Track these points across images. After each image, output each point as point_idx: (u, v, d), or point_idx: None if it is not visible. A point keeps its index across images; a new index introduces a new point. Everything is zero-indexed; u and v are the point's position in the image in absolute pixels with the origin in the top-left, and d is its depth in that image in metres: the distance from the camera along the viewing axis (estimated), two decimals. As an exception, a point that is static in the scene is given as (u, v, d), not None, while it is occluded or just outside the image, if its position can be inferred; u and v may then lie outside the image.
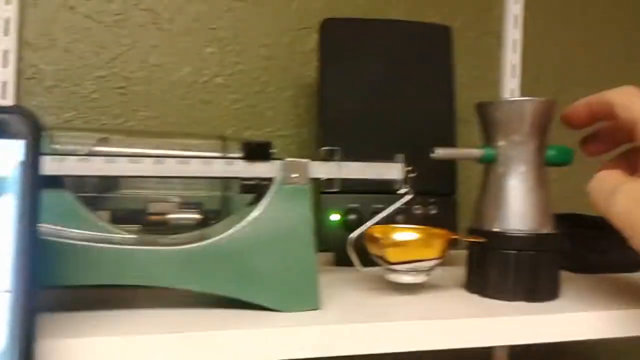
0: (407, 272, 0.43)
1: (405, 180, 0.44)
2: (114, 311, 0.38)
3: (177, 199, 0.51)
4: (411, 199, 0.44)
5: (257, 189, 0.44)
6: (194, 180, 0.53)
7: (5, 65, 0.64)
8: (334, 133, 0.59)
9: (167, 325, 0.35)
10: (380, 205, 0.55)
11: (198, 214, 0.50)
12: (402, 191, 0.44)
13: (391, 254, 0.42)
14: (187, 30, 0.71)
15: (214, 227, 0.42)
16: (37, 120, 0.28)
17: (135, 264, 0.36)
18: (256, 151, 0.41)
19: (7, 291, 0.28)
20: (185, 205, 0.51)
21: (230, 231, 0.38)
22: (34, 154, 0.28)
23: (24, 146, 0.28)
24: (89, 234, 0.38)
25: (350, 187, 0.47)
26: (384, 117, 0.60)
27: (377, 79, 0.61)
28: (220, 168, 0.40)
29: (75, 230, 0.39)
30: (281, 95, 0.74)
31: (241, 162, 0.41)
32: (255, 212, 0.39)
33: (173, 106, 0.71)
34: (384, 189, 0.44)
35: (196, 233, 0.42)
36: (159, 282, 0.36)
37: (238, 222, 0.39)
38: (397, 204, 0.45)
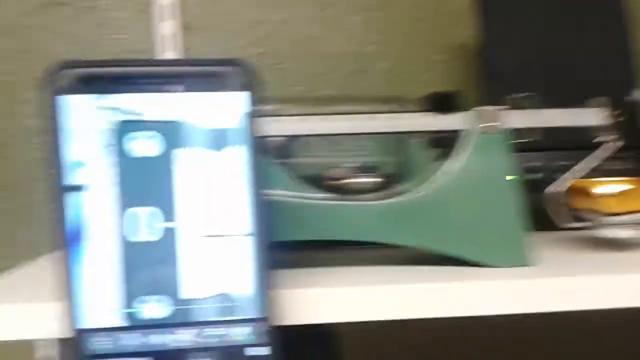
0: (626, 225, 0.39)
1: (610, 127, 0.40)
2: (324, 268, 0.37)
3: (351, 164, 0.51)
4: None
5: (441, 143, 0.43)
6: (367, 143, 0.52)
7: (172, 49, 0.68)
8: (501, 89, 0.55)
9: (375, 279, 0.34)
10: (565, 162, 0.51)
11: (375, 177, 0.49)
12: (603, 139, 0.40)
13: (606, 206, 0.38)
14: (332, 0, 0.71)
15: (406, 184, 0.41)
16: (257, 73, 0.28)
17: (339, 218, 0.35)
18: (443, 102, 0.39)
19: (249, 234, 0.28)
20: (362, 169, 0.50)
21: (428, 184, 0.37)
22: (256, 105, 0.28)
23: (247, 98, 0.28)
24: (290, 193, 0.38)
25: (529, 144, 0.44)
26: (555, 68, 0.55)
27: (541, 28, 0.56)
28: (407, 122, 0.39)
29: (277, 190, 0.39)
30: (435, 58, 0.71)
31: (429, 115, 0.39)
32: (453, 165, 0.37)
33: (326, 78, 0.70)
34: (566, 145, 0.40)
35: (389, 191, 0.40)
36: (362, 237, 0.36)
37: (433, 176, 0.37)
38: (602, 154, 0.41)
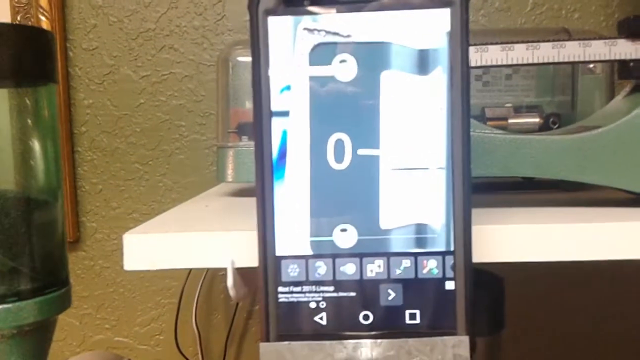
0: None
1: None
2: (507, 208, 0.35)
3: (510, 104, 0.48)
4: None
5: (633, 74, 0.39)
6: (519, 82, 0.49)
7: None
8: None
9: (566, 218, 0.31)
10: None
11: (538, 117, 0.46)
12: None
13: None
14: None
15: (590, 119, 0.38)
16: (464, -15, 0.26)
17: (529, 154, 0.33)
18: (642, 27, 0.35)
19: (448, 167, 0.26)
20: (524, 109, 0.47)
21: (627, 117, 0.33)
22: (463, 22, 0.26)
23: (451, 15, 0.26)
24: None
25: None
26: None
27: None
28: (599, 50, 0.35)
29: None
30: (589, -7, 0.65)
31: (625, 42, 0.35)
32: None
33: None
34: None
35: (573, 126, 0.37)
36: (554, 174, 0.33)
37: (629, 109, 0.34)
38: None
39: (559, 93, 0.48)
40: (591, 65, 0.47)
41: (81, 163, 0.70)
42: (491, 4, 0.66)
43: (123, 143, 0.70)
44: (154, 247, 0.31)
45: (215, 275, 0.70)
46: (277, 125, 0.27)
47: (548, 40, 0.35)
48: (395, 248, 0.27)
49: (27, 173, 0.34)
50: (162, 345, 0.73)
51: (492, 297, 0.40)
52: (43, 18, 0.65)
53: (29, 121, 0.34)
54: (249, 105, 0.48)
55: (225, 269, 0.31)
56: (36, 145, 0.34)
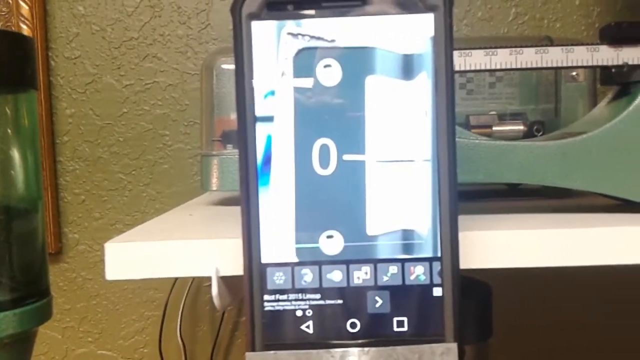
0: None
1: None
2: (495, 215, 0.35)
3: (494, 112, 0.48)
4: None
5: (614, 79, 0.39)
6: (502, 91, 0.49)
7: None
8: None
9: (552, 223, 0.31)
10: None
11: (522, 125, 0.46)
12: None
13: None
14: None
15: (575, 125, 0.38)
16: (448, -9, 0.26)
17: (514, 160, 0.33)
18: (626, 33, 0.35)
19: (427, 174, 0.26)
20: (508, 116, 0.47)
21: (611, 124, 0.33)
22: (447, 27, 0.26)
23: (434, 20, 0.26)
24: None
25: None
26: None
27: None
28: (582, 56, 0.35)
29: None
30: (569, 3, 0.66)
31: (607, 48, 0.35)
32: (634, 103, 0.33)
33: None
34: None
35: (558, 132, 0.38)
36: (539, 180, 0.33)
37: (613, 115, 0.34)
38: None
39: (543, 101, 0.48)
40: (574, 73, 0.47)
41: (63, 173, 0.69)
42: (474, 13, 0.66)
43: (106, 153, 0.69)
44: (136, 255, 0.30)
45: (200, 287, 0.70)
46: (261, 131, 0.26)
47: (531, 46, 0.35)
48: (382, 254, 0.27)
49: (6, 182, 0.33)
50: (147, 358, 0.72)
51: (479, 304, 0.40)
52: (24, 27, 0.64)
53: (9, 130, 0.33)
54: (233, 113, 0.48)
55: (210, 280, 0.30)
56: (16, 154, 0.33)
